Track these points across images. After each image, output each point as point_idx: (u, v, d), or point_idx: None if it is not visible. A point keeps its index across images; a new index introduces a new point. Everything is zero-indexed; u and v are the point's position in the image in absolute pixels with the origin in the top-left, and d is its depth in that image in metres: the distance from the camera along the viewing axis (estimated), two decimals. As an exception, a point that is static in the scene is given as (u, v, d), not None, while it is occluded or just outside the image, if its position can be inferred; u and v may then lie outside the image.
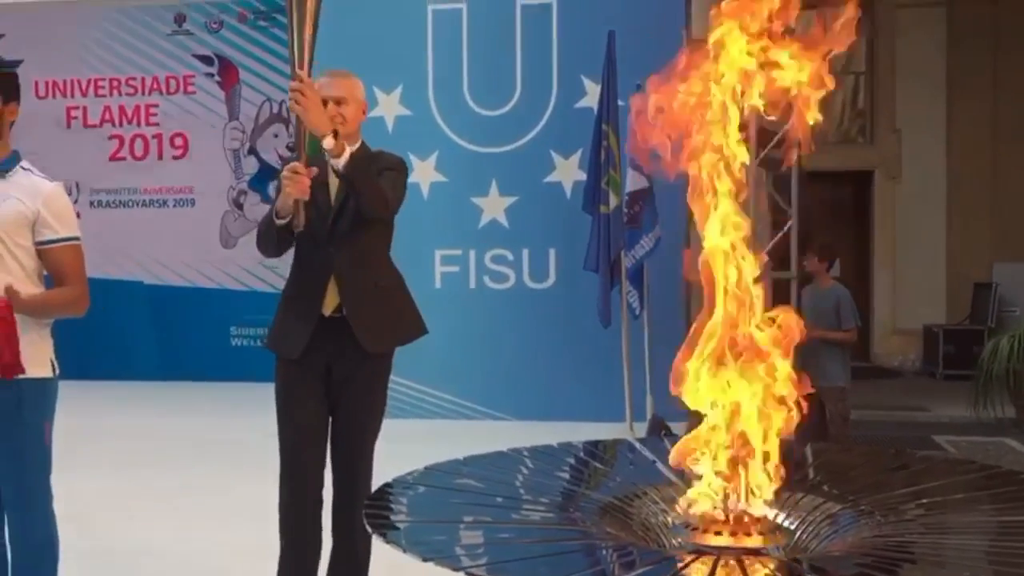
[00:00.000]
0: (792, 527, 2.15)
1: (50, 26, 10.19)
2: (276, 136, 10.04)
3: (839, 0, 2.12)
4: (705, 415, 2.21)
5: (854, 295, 6.13)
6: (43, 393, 2.97)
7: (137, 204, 10.35)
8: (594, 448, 2.72)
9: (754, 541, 2.05)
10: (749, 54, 2.16)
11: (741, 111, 2.21)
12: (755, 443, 2.15)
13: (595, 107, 7.08)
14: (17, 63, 3.52)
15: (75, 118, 10.41)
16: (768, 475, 2.16)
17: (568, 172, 7.68)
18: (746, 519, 2.10)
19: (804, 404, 2.19)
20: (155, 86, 10.30)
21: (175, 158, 10.31)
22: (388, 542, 1.92)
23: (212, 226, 10.19)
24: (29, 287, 2.91)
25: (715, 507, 2.13)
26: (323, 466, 3.29)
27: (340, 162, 2.98)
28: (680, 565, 1.83)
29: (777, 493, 2.18)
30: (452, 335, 6.95)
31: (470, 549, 2.01)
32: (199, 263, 10.23)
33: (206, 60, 10.24)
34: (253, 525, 3.93)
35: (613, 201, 6.74)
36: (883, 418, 8.23)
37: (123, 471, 6.04)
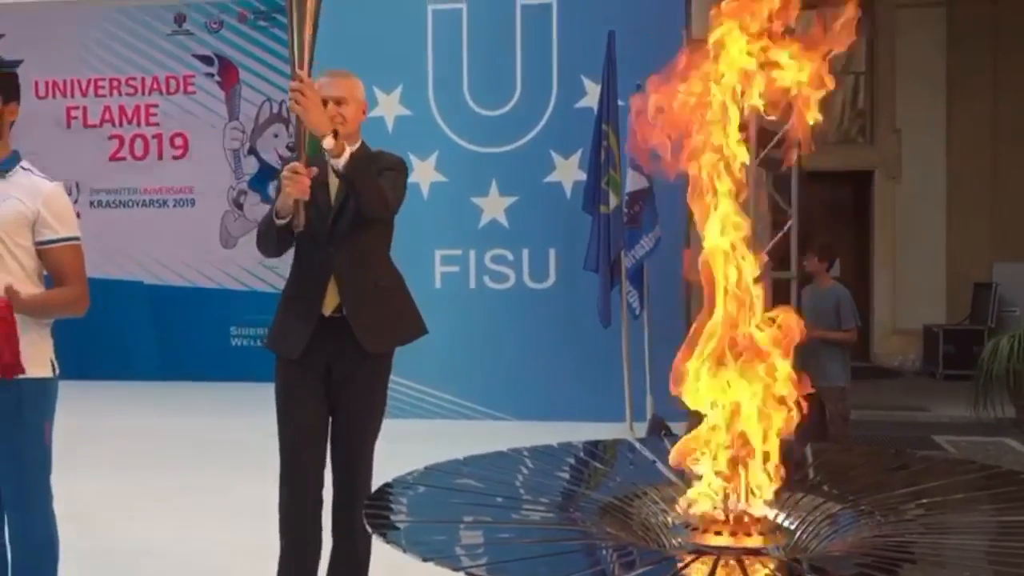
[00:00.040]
0: (792, 527, 2.15)
1: (50, 26, 10.19)
2: (276, 136, 10.04)
3: (839, 0, 2.12)
4: (705, 415, 2.21)
5: (854, 295, 6.13)
6: (43, 393, 2.97)
7: (137, 204, 10.35)
8: (594, 448, 2.72)
9: (754, 541, 2.05)
10: (749, 54, 2.16)
11: (741, 111, 2.21)
12: (755, 443, 2.16)
13: (595, 107, 7.08)
14: (17, 63, 3.52)
15: (75, 118, 10.41)
16: (768, 475, 2.16)
17: (568, 172, 7.69)
18: (746, 519, 2.10)
19: (804, 404, 2.19)
20: (155, 86, 10.30)
21: (175, 158, 10.32)
22: (388, 542, 1.92)
23: (212, 226, 10.19)
24: (29, 287, 2.91)
25: (715, 507, 2.13)
26: (323, 466, 3.30)
27: (340, 162, 2.99)
28: (680, 565, 1.83)
29: (777, 493, 2.18)
30: (452, 335, 6.95)
31: (470, 549, 2.01)
32: (199, 263, 10.23)
33: (206, 60, 10.24)
34: (253, 525, 3.93)
35: (613, 201, 6.74)
36: (883, 418, 8.23)
37: (123, 471, 6.04)
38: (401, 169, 3.31)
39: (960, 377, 9.27)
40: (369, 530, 2.01)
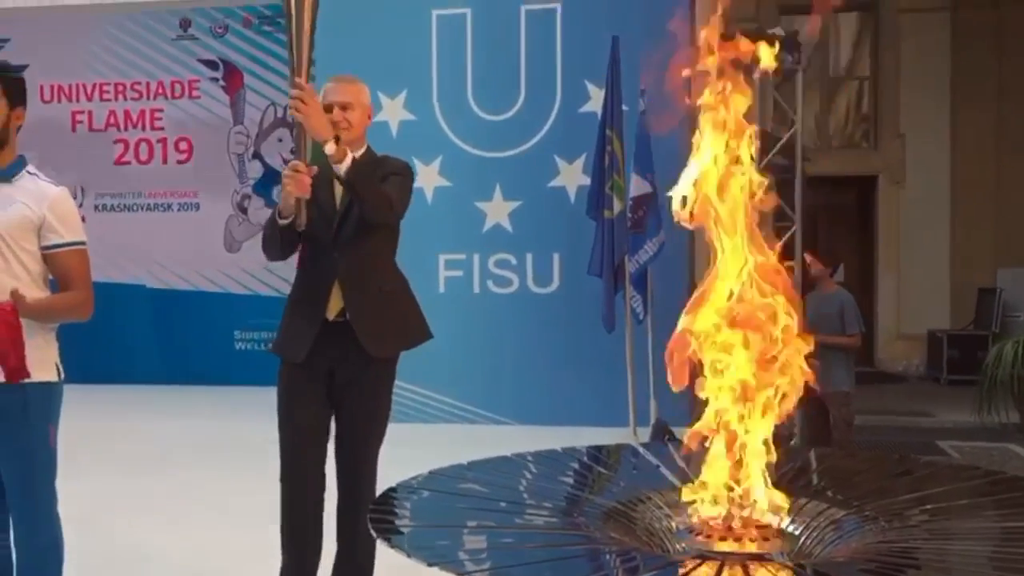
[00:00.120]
0: (796, 532, 2.15)
1: (56, 31, 10.22)
2: (280, 140, 10.05)
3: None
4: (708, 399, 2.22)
5: (858, 300, 6.13)
6: (48, 397, 2.97)
7: (142, 208, 10.37)
8: (598, 453, 2.72)
9: (758, 546, 2.05)
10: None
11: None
12: (755, 443, 2.16)
13: (599, 112, 7.08)
14: (23, 68, 3.54)
15: (80, 122, 10.44)
16: (771, 477, 2.17)
17: (572, 177, 7.69)
18: (751, 524, 2.10)
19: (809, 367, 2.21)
20: (160, 90, 10.33)
21: (180, 162, 10.34)
22: (392, 547, 1.92)
23: (216, 230, 10.21)
24: (34, 291, 2.91)
25: (720, 512, 2.13)
26: (323, 467, 3.30)
27: (342, 168, 2.99)
28: (684, 570, 1.83)
29: (782, 498, 2.18)
30: (456, 340, 6.95)
31: (474, 554, 2.01)
32: (203, 267, 10.25)
33: (211, 65, 10.27)
34: (256, 528, 3.93)
35: (617, 206, 6.74)
36: (887, 423, 8.22)
37: (127, 474, 6.05)
38: (406, 174, 3.32)
39: (964, 382, 9.25)
40: (374, 534, 2.01)
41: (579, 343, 7.40)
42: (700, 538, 2.08)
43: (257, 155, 10.22)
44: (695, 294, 2.26)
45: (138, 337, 10.05)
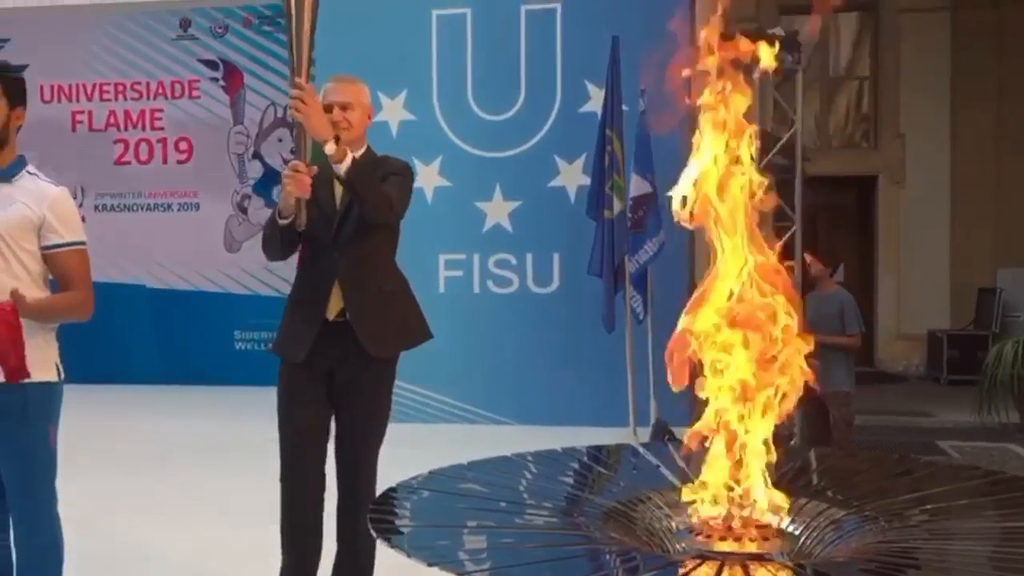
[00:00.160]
0: (796, 532, 2.16)
1: (56, 31, 10.22)
2: (280, 140, 10.05)
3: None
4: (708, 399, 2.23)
5: (858, 300, 6.13)
6: (48, 397, 2.97)
7: (141, 208, 10.37)
8: (598, 453, 2.72)
9: (758, 546, 2.05)
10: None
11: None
12: (755, 443, 2.16)
13: (599, 112, 7.08)
14: (23, 68, 3.54)
15: (80, 122, 10.44)
16: (771, 477, 2.17)
17: (572, 177, 7.69)
18: (751, 524, 2.10)
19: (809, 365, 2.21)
20: (160, 90, 10.33)
21: (180, 162, 10.34)
22: (392, 547, 1.92)
23: (216, 230, 10.21)
24: (34, 291, 2.91)
25: (720, 512, 2.13)
26: (323, 467, 3.30)
27: (342, 168, 3.00)
28: (684, 570, 1.83)
29: (782, 498, 2.18)
30: (456, 339, 6.95)
31: (474, 554, 2.01)
32: (203, 267, 10.25)
33: (211, 65, 10.27)
34: (256, 528, 3.93)
35: (617, 206, 6.74)
36: (887, 423, 8.22)
37: (126, 474, 6.05)
38: (406, 174, 3.32)
39: (964, 382, 9.25)
40: (374, 535, 2.02)
41: (579, 343, 7.40)
42: (700, 538, 2.08)
43: (257, 155, 10.23)
44: (695, 294, 2.27)
45: (138, 337, 10.05)
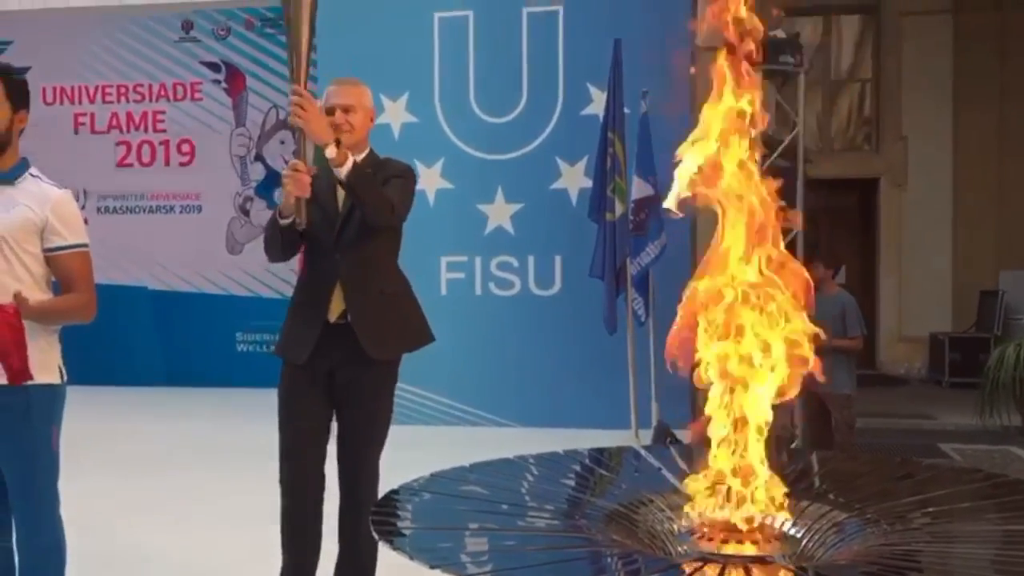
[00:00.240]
0: (798, 535, 2.15)
1: (58, 33, 10.24)
2: (282, 143, 10.07)
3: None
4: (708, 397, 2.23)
5: (859, 302, 6.12)
6: (51, 399, 2.97)
7: (144, 210, 10.38)
8: (599, 455, 2.72)
9: (760, 549, 2.05)
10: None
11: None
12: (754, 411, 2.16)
13: (601, 114, 7.09)
14: (25, 70, 3.54)
15: (83, 124, 10.45)
16: (774, 480, 2.16)
17: (574, 179, 7.69)
18: (753, 527, 2.10)
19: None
20: (162, 93, 10.34)
21: (182, 164, 10.35)
22: (394, 549, 1.92)
23: (218, 232, 10.22)
24: (37, 294, 2.91)
25: (722, 515, 2.13)
26: (323, 469, 3.31)
27: (343, 171, 3.00)
28: (686, 573, 1.83)
29: (784, 501, 2.18)
30: (458, 342, 6.94)
31: (475, 556, 2.02)
32: (205, 269, 10.26)
33: (213, 67, 10.28)
34: (256, 529, 3.93)
35: (619, 208, 6.74)
36: (889, 426, 8.20)
37: (128, 476, 6.05)
38: (409, 176, 3.32)
39: (966, 385, 9.23)
40: (376, 537, 2.02)
41: (581, 345, 7.40)
42: (702, 541, 2.08)
43: (259, 157, 10.24)
44: (702, 261, 2.27)
45: (140, 339, 10.06)
